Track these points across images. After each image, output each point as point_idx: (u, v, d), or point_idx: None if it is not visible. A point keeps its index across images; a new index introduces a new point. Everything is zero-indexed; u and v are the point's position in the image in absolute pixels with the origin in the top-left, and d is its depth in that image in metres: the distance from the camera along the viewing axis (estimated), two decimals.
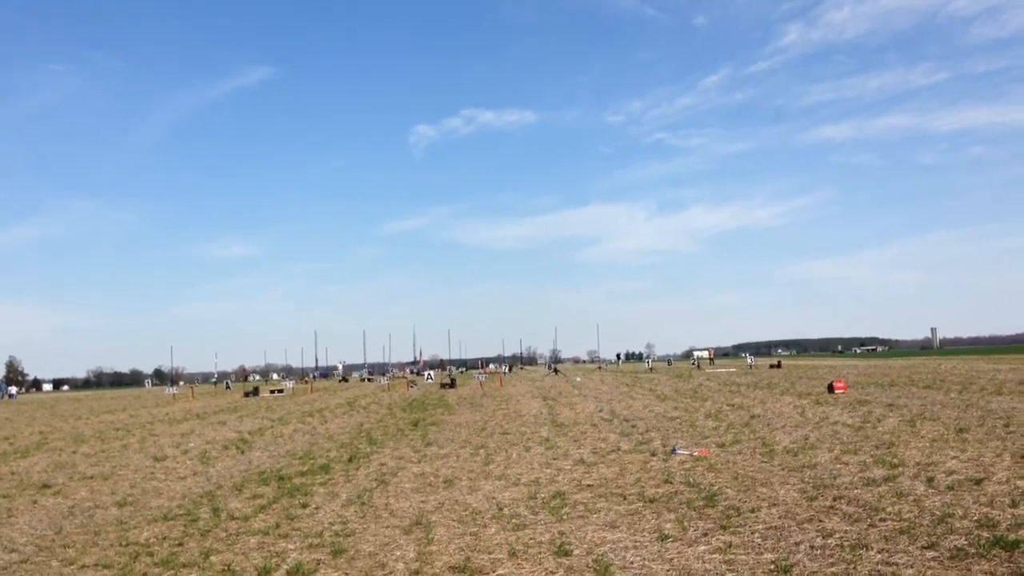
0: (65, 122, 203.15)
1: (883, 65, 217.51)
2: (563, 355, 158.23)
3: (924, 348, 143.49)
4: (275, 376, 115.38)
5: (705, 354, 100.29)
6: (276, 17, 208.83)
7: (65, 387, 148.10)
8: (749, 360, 62.58)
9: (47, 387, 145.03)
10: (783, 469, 9.82)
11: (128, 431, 21.54)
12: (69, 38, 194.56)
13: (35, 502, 10.37)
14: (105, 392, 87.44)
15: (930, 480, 8.55)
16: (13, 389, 79.70)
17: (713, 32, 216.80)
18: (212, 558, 6.82)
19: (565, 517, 7.77)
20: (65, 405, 44.96)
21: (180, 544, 7.44)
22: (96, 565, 6.81)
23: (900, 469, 9.32)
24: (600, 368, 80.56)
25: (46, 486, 11.69)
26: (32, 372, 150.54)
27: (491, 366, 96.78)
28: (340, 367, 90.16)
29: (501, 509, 8.32)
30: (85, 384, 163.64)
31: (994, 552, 5.71)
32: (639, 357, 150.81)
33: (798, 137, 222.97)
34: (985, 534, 6.19)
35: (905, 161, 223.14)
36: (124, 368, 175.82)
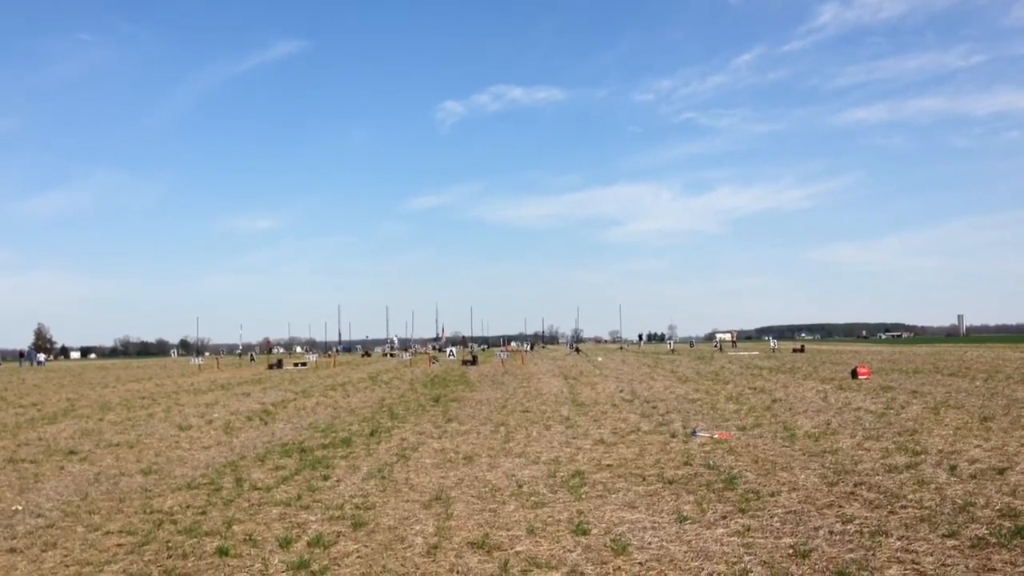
0: (93, 92, 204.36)
1: (919, 47, 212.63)
2: (585, 335, 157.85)
3: (950, 335, 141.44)
4: (299, 349, 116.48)
5: (727, 336, 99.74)
6: None
7: (92, 355, 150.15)
8: (772, 344, 62.14)
9: (75, 355, 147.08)
10: (804, 454, 9.79)
11: (154, 400, 21.86)
12: (98, 8, 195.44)
13: (62, 468, 10.58)
14: (132, 361, 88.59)
15: (952, 468, 8.49)
16: (42, 356, 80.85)
17: (747, 10, 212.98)
18: (234, 527, 6.93)
19: (584, 496, 7.80)
20: (92, 373, 45.66)
21: (203, 513, 7.57)
22: (120, 531, 6.94)
23: (922, 457, 9.26)
24: (622, 348, 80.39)
25: (72, 453, 11.91)
26: (60, 340, 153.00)
27: (513, 344, 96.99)
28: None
29: (520, 487, 8.37)
30: (112, 353, 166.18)
31: (1015, 542, 5.67)
32: (661, 338, 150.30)
33: (829, 119, 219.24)
34: (1007, 524, 6.14)
35: (938, 145, 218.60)
36: (151, 338, 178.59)
